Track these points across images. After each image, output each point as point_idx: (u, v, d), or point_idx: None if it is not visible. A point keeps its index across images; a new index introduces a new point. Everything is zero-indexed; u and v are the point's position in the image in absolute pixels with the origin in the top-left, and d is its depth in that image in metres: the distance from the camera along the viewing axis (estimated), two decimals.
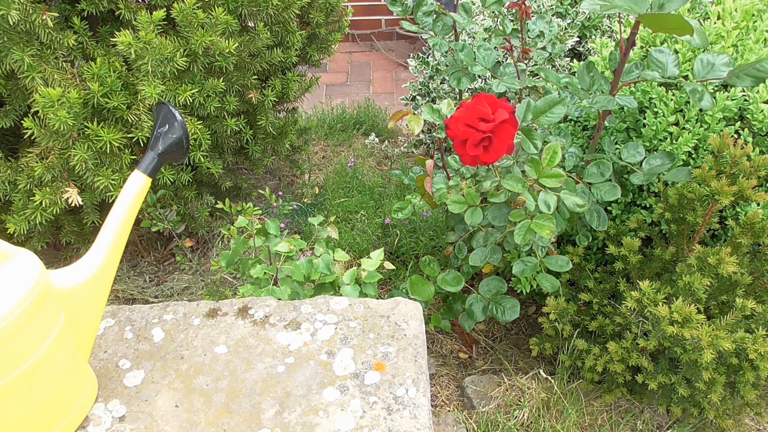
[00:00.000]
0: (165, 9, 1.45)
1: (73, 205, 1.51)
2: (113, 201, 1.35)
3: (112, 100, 1.45)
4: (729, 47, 1.52)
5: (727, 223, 1.48)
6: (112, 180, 1.50)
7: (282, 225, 2.14)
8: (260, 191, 2.26)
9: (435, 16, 1.62)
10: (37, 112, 1.38)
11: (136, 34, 1.40)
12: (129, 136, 1.49)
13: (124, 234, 0.88)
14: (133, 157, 1.55)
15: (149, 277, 2.06)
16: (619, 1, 1.21)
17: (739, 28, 1.55)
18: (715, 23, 1.59)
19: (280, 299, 1.06)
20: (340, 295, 1.36)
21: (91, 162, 1.47)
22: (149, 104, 1.47)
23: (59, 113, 1.34)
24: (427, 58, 2.46)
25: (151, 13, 1.42)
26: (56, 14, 1.40)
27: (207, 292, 1.92)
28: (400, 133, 2.86)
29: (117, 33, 1.41)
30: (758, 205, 1.46)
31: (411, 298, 1.09)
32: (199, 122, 1.60)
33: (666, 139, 1.54)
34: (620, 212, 1.64)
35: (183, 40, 1.49)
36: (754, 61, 1.28)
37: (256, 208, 1.49)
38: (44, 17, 1.36)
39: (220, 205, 1.54)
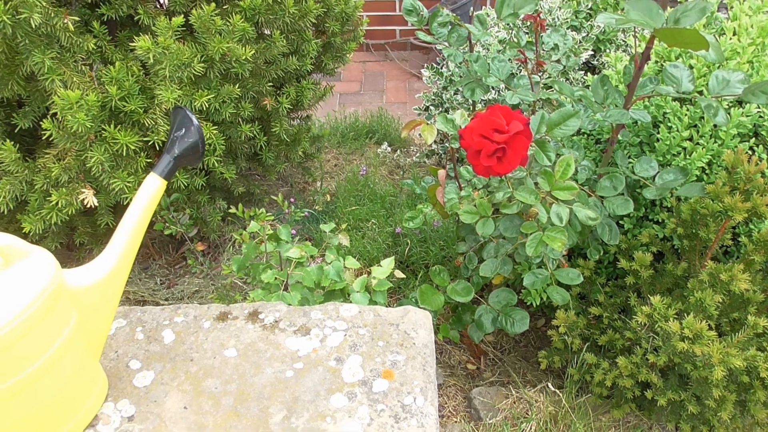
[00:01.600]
0: (183, 15, 1.47)
1: (88, 206, 1.53)
2: (127, 203, 1.37)
3: (130, 103, 1.46)
4: (744, 63, 1.52)
5: (740, 239, 1.47)
6: (128, 182, 1.51)
7: (293, 231, 2.15)
8: (272, 197, 2.27)
9: (450, 27, 1.62)
10: (56, 113, 1.40)
11: (154, 39, 1.42)
12: (145, 139, 1.51)
13: (138, 236, 0.88)
14: (148, 160, 1.56)
15: (160, 280, 2.08)
16: (634, 15, 1.21)
17: (755, 44, 1.55)
18: (730, 39, 1.59)
19: (290, 305, 1.06)
20: (350, 302, 1.37)
21: (107, 164, 1.49)
22: (166, 108, 1.49)
23: (78, 115, 1.35)
24: (441, 68, 2.47)
25: (170, 19, 1.44)
26: (77, 18, 1.43)
27: (217, 296, 1.93)
28: (413, 143, 2.87)
29: (136, 38, 1.43)
30: None
31: (420, 308, 1.09)
32: (214, 127, 1.62)
33: (680, 154, 1.53)
34: (632, 226, 1.63)
35: (200, 46, 1.51)
36: None
37: (268, 214, 1.50)
38: (65, 21, 1.38)
39: (233, 210, 1.55)
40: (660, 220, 1.59)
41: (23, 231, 1.55)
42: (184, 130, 0.95)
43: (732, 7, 1.70)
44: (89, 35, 1.49)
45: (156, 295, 2.00)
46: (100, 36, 1.53)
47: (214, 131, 1.61)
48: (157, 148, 1.54)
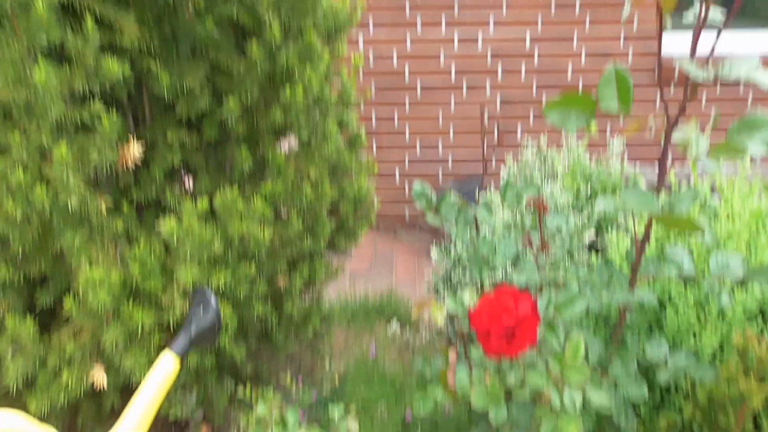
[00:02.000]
0: (208, 198, 1.57)
1: (97, 388, 1.51)
2: (136, 383, 1.36)
3: (150, 282, 1.51)
4: (742, 245, 1.57)
5: (762, 425, 1.42)
6: (140, 361, 1.51)
7: (301, 414, 2.09)
8: (280, 377, 2.24)
9: (457, 210, 1.71)
10: (77, 291, 1.44)
11: (179, 220, 1.51)
12: (160, 317, 1.53)
13: (149, 416, 0.88)
14: (162, 338, 1.58)
15: None
16: (631, 202, 1.29)
17: (749, 228, 1.62)
18: (725, 223, 1.66)
19: None
20: None
21: (121, 343, 1.50)
22: (184, 287, 1.53)
23: (99, 294, 1.39)
24: (449, 248, 2.55)
25: (195, 202, 1.53)
26: (110, 201, 1.52)
27: None
28: (422, 322, 2.88)
29: (162, 217, 1.51)
30: None
31: None
32: (228, 306, 1.65)
33: (689, 335, 1.54)
34: (648, 411, 1.59)
35: (221, 228, 1.59)
36: None
37: (275, 396, 1.48)
38: (100, 203, 1.47)
39: (240, 394, 1.52)
40: (677, 406, 1.54)
41: (28, 409, 1.52)
42: (202, 310, 0.99)
43: (723, 193, 1.80)
44: (118, 217, 1.58)
45: None
46: (128, 217, 1.61)
47: (229, 310, 1.64)
48: (172, 328, 1.56)
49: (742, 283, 1.55)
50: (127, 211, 1.61)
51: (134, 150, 1.46)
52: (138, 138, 1.60)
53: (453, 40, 3.43)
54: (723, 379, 1.36)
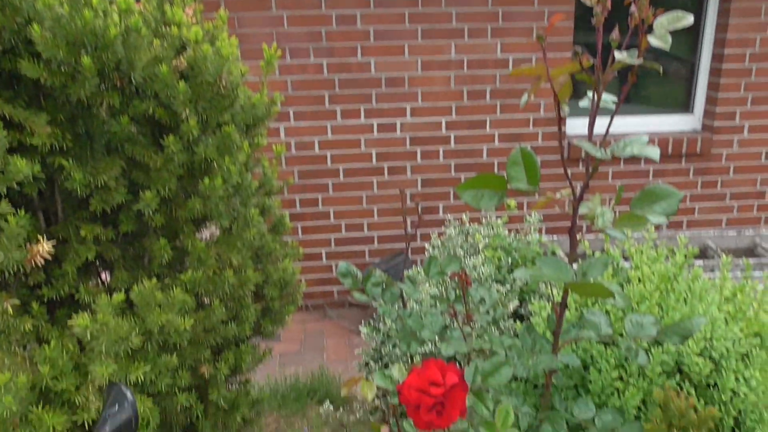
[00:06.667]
0: (125, 291, 1.52)
1: None
2: None
3: (62, 382, 1.43)
4: (654, 306, 1.65)
5: None
6: None
7: None
8: None
9: (383, 286, 1.73)
10: None
11: (93, 316, 1.44)
12: (74, 419, 1.44)
13: None
14: None
15: None
16: (546, 271, 1.34)
17: (659, 289, 1.71)
18: (637, 286, 1.75)
19: None
20: None
21: None
22: (99, 384, 1.46)
23: (5, 399, 1.30)
24: (378, 324, 2.55)
25: (110, 296, 1.48)
26: (17, 302, 1.45)
27: None
28: (355, 400, 2.82)
29: (74, 314, 1.45)
30: None
31: None
32: (148, 399, 1.57)
33: (613, 393, 1.58)
34: None
35: (139, 320, 1.54)
36: (678, 321, 1.39)
37: None
38: (6, 305, 1.40)
39: None
40: None
41: None
42: (117, 407, 0.94)
43: (633, 258, 1.90)
44: (27, 316, 1.50)
45: None
46: (38, 316, 1.54)
47: (149, 404, 1.56)
48: (87, 428, 1.46)
49: (657, 341, 1.63)
50: (37, 310, 1.53)
51: (44, 248, 1.41)
52: (49, 235, 1.55)
53: (372, 127, 3.55)
54: None
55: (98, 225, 1.61)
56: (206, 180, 1.63)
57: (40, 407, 1.41)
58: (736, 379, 1.54)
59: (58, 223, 1.62)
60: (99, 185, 1.51)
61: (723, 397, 1.53)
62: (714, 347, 1.56)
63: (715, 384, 1.56)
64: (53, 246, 1.43)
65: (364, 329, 2.54)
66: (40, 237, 1.42)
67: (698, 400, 1.53)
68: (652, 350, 1.56)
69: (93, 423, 1.43)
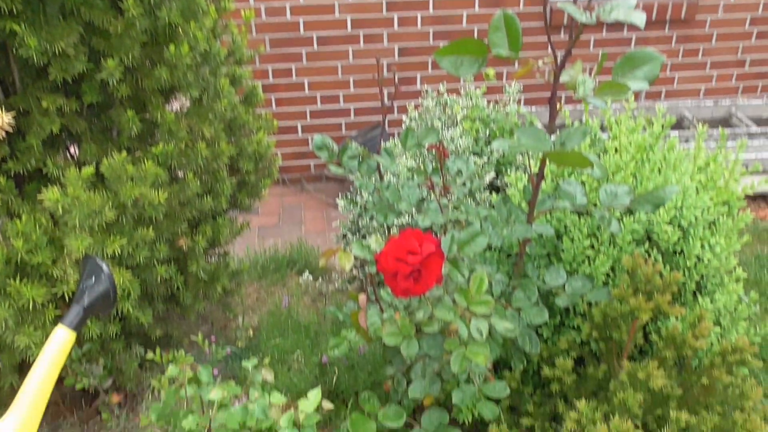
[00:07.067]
0: (94, 165, 1.48)
1: None
2: (34, 360, 1.29)
3: (37, 255, 1.42)
4: (629, 176, 1.67)
5: (651, 338, 1.54)
6: (34, 338, 1.44)
7: (216, 371, 2.07)
8: (192, 337, 2.20)
9: (360, 159, 1.71)
10: None
11: (63, 190, 1.42)
12: (53, 291, 1.46)
13: (44, 394, 0.84)
14: (57, 312, 1.50)
15: None
16: (525, 141, 1.33)
17: (635, 159, 1.71)
18: (613, 156, 1.75)
19: None
20: None
21: (12, 320, 1.41)
22: (76, 258, 1.46)
23: None
24: (355, 197, 2.55)
25: (79, 170, 1.44)
26: None
27: None
28: (334, 270, 2.89)
29: (44, 189, 1.42)
30: (677, 319, 1.53)
31: None
32: (127, 272, 1.59)
33: (584, 261, 1.63)
34: (551, 334, 1.68)
35: (112, 194, 1.51)
36: (651, 190, 1.41)
37: (188, 356, 1.45)
38: None
39: (150, 356, 1.49)
40: (576, 326, 1.65)
41: None
42: (93, 279, 0.94)
43: (611, 128, 1.89)
44: None
45: None
46: (6, 191, 1.50)
47: (128, 276, 1.58)
48: (67, 299, 1.48)
49: (630, 211, 1.66)
50: (5, 184, 1.49)
51: (3, 119, 1.34)
52: (8, 106, 1.48)
53: None
54: (615, 298, 1.46)
55: (60, 95, 1.53)
56: (172, 47, 1.55)
57: (17, 281, 1.41)
58: (702, 246, 1.59)
59: (17, 93, 1.54)
60: (57, 52, 1.42)
61: (688, 263, 1.59)
62: (683, 216, 1.59)
63: (682, 251, 1.61)
64: (13, 117, 1.37)
65: (341, 202, 2.55)
66: None
67: (664, 267, 1.59)
68: (624, 219, 1.59)
69: (72, 294, 1.45)
